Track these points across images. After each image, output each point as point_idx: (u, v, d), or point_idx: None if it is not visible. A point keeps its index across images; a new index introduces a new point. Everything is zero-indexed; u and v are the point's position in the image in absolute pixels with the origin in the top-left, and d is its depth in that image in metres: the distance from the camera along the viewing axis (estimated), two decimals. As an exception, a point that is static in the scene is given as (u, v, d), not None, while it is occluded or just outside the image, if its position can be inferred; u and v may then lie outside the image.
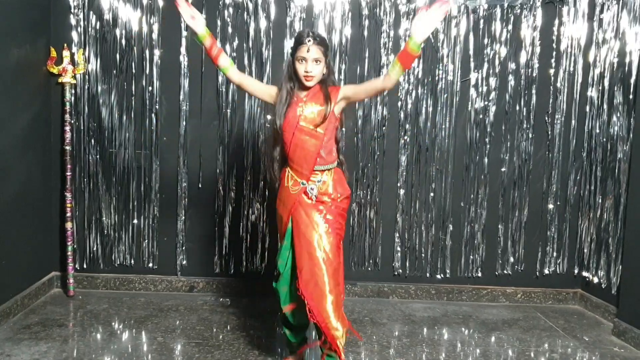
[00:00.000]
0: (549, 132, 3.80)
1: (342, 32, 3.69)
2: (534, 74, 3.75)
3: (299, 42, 2.49)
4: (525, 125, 3.79)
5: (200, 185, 3.78)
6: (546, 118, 3.79)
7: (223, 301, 3.70)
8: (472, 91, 3.76)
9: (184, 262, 3.84)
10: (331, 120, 2.52)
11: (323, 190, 2.53)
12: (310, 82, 2.50)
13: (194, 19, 2.63)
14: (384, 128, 3.76)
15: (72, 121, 3.66)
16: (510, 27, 3.72)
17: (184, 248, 3.82)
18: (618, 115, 3.50)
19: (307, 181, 2.53)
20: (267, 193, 3.77)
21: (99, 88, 3.69)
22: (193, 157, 3.76)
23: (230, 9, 3.67)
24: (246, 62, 3.69)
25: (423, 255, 3.87)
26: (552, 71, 3.76)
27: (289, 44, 3.67)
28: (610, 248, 3.55)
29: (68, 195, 3.65)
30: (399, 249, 3.86)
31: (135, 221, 3.79)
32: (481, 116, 3.78)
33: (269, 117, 3.70)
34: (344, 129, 2.79)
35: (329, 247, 2.49)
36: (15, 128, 3.29)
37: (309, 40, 2.46)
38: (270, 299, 3.69)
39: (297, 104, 2.53)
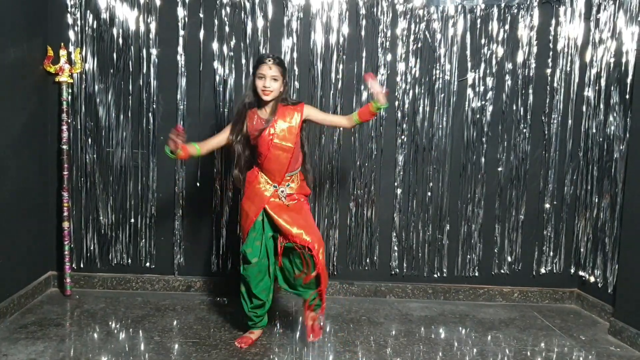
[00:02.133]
0: (546, 132, 3.81)
1: (340, 31, 3.70)
2: (531, 74, 3.76)
3: (260, 61, 2.83)
4: (522, 125, 3.80)
5: (197, 185, 3.78)
6: (543, 118, 3.80)
7: (219, 300, 3.70)
8: (469, 91, 3.77)
9: (181, 261, 3.83)
10: (297, 134, 2.92)
11: (290, 191, 2.95)
12: (268, 96, 2.83)
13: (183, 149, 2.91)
14: (381, 127, 3.77)
15: (69, 120, 3.65)
16: (507, 27, 3.73)
17: (181, 247, 3.82)
18: (614, 115, 3.50)
19: (278, 185, 2.93)
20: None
21: (96, 87, 3.68)
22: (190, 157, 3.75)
23: (228, 8, 3.67)
24: (243, 61, 3.69)
25: (420, 254, 3.88)
26: (549, 71, 3.77)
27: (286, 43, 3.68)
28: (606, 247, 3.56)
29: (65, 194, 3.64)
30: (396, 248, 3.86)
31: (132, 220, 3.79)
32: (478, 116, 3.79)
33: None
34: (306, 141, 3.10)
35: (303, 219, 2.91)
36: (12, 127, 3.29)
37: (269, 60, 2.81)
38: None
39: (267, 123, 2.87)
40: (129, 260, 3.81)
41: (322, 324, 3.01)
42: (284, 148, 2.89)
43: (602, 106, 3.62)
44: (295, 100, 3.03)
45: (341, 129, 3.68)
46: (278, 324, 3.33)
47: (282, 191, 2.93)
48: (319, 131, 3.74)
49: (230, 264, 3.83)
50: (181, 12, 3.66)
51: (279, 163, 2.90)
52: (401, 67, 3.74)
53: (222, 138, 2.99)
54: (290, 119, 2.90)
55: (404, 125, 3.78)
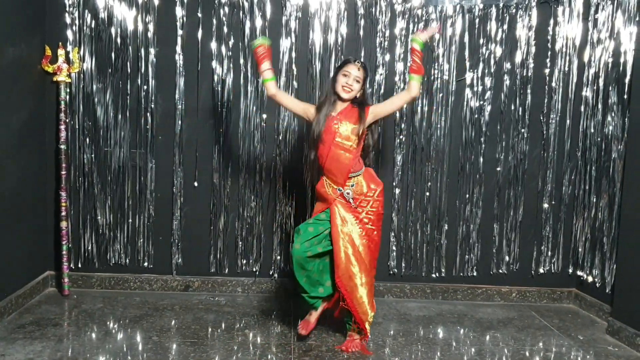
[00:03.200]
0: (544, 132, 3.81)
1: (338, 31, 3.69)
2: (529, 74, 3.76)
3: (348, 62, 2.95)
4: (520, 125, 3.80)
5: (195, 184, 3.77)
6: (541, 118, 3.80)
7: (217, 300, 3.70)
8: (468, 91, 3.77)
9: (179, 261, 3.83)
10: (362, 137, 2.94)
11: (358, 191, 2.94)
12: (347, 94, 2.91)
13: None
14: (379, 127, 3.75)
15: (67, 120, 3.64)
16: (505, 26, 3.73)
17: (179, 247, 3.81)
18: (613, 115, 3.51)
19: (342, 187, 2.93)
20: (262, 193, 3.78)
21: (94, 87, 3.68)
22: (189, 156, 3.75)
23: (226, 8, 3.66)
24: (242, 61, 3.69)
25: (418, 254, 3.88)
26: (547, 71, 3.77)
27: (285, 43, 3.68)
28: (604, 247, 3.56)
29: (63, 194, 3.63)
30: (394, 248, 3.86)
31: (130, 220, 3.78)
32: (476, 116, 3.79)
33: (264, 116, 3.71)
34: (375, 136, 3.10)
35: (362, 248, 2.94)
36: (10, 127, 3.28)
37: (357, 62, 2.93)
38: (267, 298, 3.71)
39: (332, 121, 2.91)
40: (127, 260, 3.81)
41: (360, 346, 3.01)
42: (345, 147, 2.90)
43: (600, 106, 3.62)
44: (365, 102, 3.00)
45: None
46: (277, 324, 3.32)
47: (348, 193, 2.93)
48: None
49: (227, 264, 3.83)
50: (179, 11, 3.65)
51: (340, 163, 2.90)
52: (400, 67, 3.73)
53: (305, 107, 3.03)
54: (355, 121, 2.91)
55: (402, 125, 3.78)
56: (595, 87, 3.67)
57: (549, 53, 3.75)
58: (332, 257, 2.96)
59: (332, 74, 2.99)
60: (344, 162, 2.90)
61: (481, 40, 3.74)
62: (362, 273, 2.93)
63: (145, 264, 3.82)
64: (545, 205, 3.86)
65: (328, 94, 2.97)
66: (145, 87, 3.69)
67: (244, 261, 3.84)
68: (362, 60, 2.98)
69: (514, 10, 3.71)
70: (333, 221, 2.93)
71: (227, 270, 3.84)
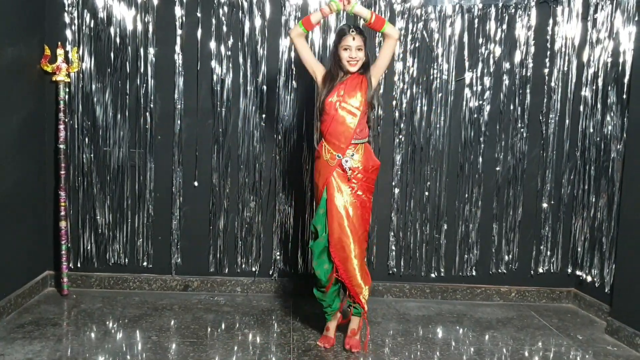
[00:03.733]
0: (543, 132, 3.81)
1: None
2: (528, 74, 3.76)
3: (342, 33, 2.90)
4: (519, 125, 3.80)
5: (196, 184, 3.77)
6: (540, 117, 3.80)
7: (217, 300, 3.70)
8: (467, 90, 3.77)
9: (179, 261, 3.83)
10: (366, 101, 2.91)
11: (356, 164, 2.92)
12: (355, 67, 2.89)
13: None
14: (378, 127, 3.76)
15: (66, 120, 3.64)
16: (504, 26, 3.73)
17: (178, 247, 3.81)
18: (612, 114, 3.51)
19: (342, 155, 2.89)
20: (261, 193, 3.78)
21: (93, 86, 3.67)
22: (188, 156, 3.75)
23: (225, 8, 3.66)
24: (241, 60, 3.69)
25: (418, 254, 3.88)
26: (546, 71, 3.77)
27: (284, 42, 3.68)
28: (603, 247, 3.56)
29: (62, 193, 3.63)
30: (393, 247, 3.86)
31: (129, 220, 3.78)
32: (476, 115, 3.79)
33: (263, 116, 3.71)
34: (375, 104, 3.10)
35: (356, 218, 2.92)
36: (9, 126, 3.28)
37: (352, 31, 2.88)
38: (266, 298, 3.71)
39: (338, 86, 2.90)
40: (126, 260, 3.81)
41: (364, 339, 3.02)
42: (351, 111, 2.88)
43: (599, 106, 3.63)
44: (368, 63, 2.98)
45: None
46: (277, 324, 3.32)
47: (347, 161, 2.88)
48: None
49: (227, 264, 3.83)
50: (179, 11, 3.65)
51: (345, 126, 2.87)
52: (399, 66, 3.74)
53: (316, 66, 3.02)
54: (361, 87, 2.91)
55: (402, 125, 3.78)
56: (594, 87, 3.67)
57: (548, 53, 3.75)
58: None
59: (331, 48, 2.99)
60: (349, 126, 2.88)
61: (480, 40, 3.74)
62: (355, 244, 2.92)
63: (145, 263, 3.82)
64: (545, 205, 3.86)
65: (332, 70, 2.94)
66: (144, 86, 3.69)
67: (244, 261, 3.84)
68: (355, 25, 2.95)
69: (513, 10, 3.72)
70: (329, 191, 2.91)
71: (226, 270, 3.84)
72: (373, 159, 3.03)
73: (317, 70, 3.00)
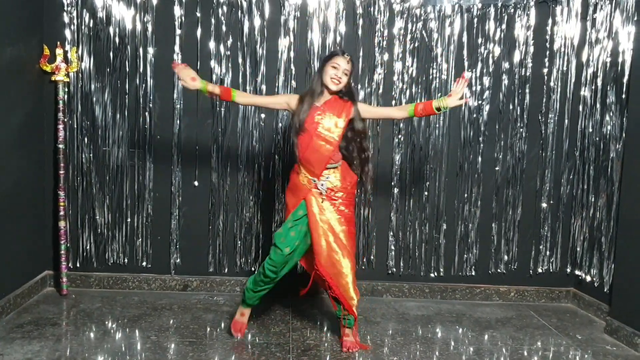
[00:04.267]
0: (543, 131, 3.82)
1: (337, 30, 3.69)
2: (528, 74, 3.76)
3: (335, 53, 2.95)
4: (518, 125, 3.80)
5: (196, 184, 3.77)
6: (539, 117, 3.81)
7: (216, 299, 3.70)
8: (466, 90, 3.77)
9: (178, 260, 3.83)
10: (343, 130, 2.93)
11: (333, 184, 2.93)
12: (335, 86, 2.89)
13: (194, 80, 2.94)
14: (378, 127, 3.77)
15: (66, 119, 3.64)
16: (504, 26, 3.73)
17: (177, 247, 3.81)
18: (611, 114, 3.51)
19: (317, 179, 2.91)
20: (260, 192, 3.78)
21: (93, 86, 3.67)
22: (187, 156, 3.75)
23: (225, 8, 3.66)
24: (240, 60, 3.69)
25: (417, 253, 3.88)
26: (545, 70, 3.77)
27: (283, 42, 3.68)
28: (602, 247, 3.56)
29: (61, 193, 3.63)
30: (392, 247, 3.86)
31: (128, 220, 3.78)
32: (475, 115, 3.79)
33: (262, 115, 3.71)
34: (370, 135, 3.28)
35: (343, 234, 2.95)
36: (8, 126, 3.28)
37: (347, 55, 2.92)
38: (265, 298, 3.70)
39: (315, 111, 2.90)
40: (126, 260, 3.81)
41: (357, 339, 3.07)
42: (327, 139, 2.89)
43: (598, 106, 3.63)
44: (351, 94, 3.00)
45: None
46: (276, 324, 3.32)
47: (322, 184, 2.91)
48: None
49: (226, 264, 3.83)
50: (178, 11, 3.65)
51: (320, 154, 2.89)
52: (398, 66, 3.74)
53: (287, 99, 3.01)
54: (339, 114, 2.92)
55: (401, 125, 3.78)
56: (593, 87, 3.67)
57: (548, 53, 3.75)
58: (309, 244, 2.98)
59: (318, 67, 3.00)
60: (324, 154, 2.89)
61: (480, 40, 3.74)
62: (345, 259, 2.95)
63: (144, 263, 3.82)
64: (544, 205, 3.86)
65: (314, 86, 2.94)
66: (143, 86, 3.69)
67: (243, 261, 3.84)
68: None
69: (512, 10, 3.72)
70: (310, 210, 2.92)
71: (226, 270, 3.84)
72: (350, 174, 3.01)
73: (291, 101, 2.98)
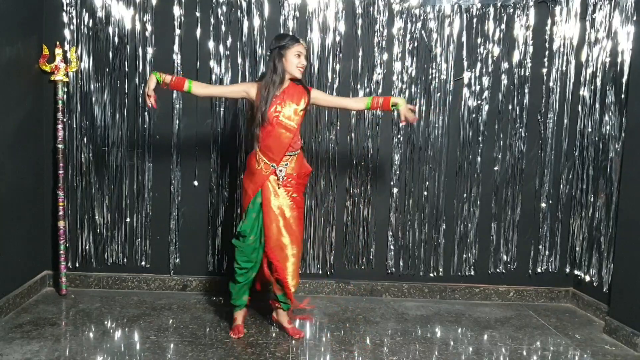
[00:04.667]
0: (542, 131, 3.82)
1: (336, 30, 3.70)
2: (527, 73, 3.77)
3: (296, 40, 2.97)
4: (518, 124, 3.80)
5: (196, 184, 3.77)
6: (539, 117, 3.81)
7: (215, 299, 3.70)
8: (465, 90, 3.78)
9: (177, 260, 3.83)
10: (302, 117, 3.02)
11: (289, 171, 3.00)
12: (301, 74, 2.98)
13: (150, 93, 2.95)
14: (377, 127, 3.77)
15: (65, 119, 3.64)
16: (503, 26, 3.73)
17: (177, 247, 3.81)
18: (610, 114, 3.51)
19: (277, 165, 2.98)
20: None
21: (92, 86, 3.67)
22: (186, 156, 3.75)
23: (224, 7, 3.66)
24: (239, 60, 3.69)
25: (416, 253, 3.88)
26: (544, 70, 3.77)
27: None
28: (602, 247, 3.56)
29: (60, 193, 3.63)
30: (392, 247, 3.87)
31: (128, 220, 3.78)
32: (474, 115, 3.79)
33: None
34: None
35: (292, 219, 3.03)
36: (7, 126, 3.28)
37: (303, 42, 2.99)
38: (263, 298, 3.70)
39: (276, 100, 2.94)
40: (125, 260, 3.81)
41: (296, 322, 3.20)
42: (288, 127, 2.95)
43: (597, 106, 3.63)
44: (303, 82, 3.06)
45: (353, 111, 3.71)
46: (275, 324, 3.32)
47: (281, 170, 2.97)
48: (316, 130, 3.74)
49: (225, 264, 3.83)
50: (177, 10, 3.65)
51: (280, 141, 2.95)
52: (397, 66, 3.74)
53: (245, 88, 3.04)
54: (298, 101, 2.98)
55: (400, 125, 3.78)
56: (592, 87, 3.67)
57: (547, 52, 3.76)
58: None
59: (273, 52, 2.94)
60: (284, 141, 2.95)
61: (479, 40, 3.74)
62: (292, 245, 3.02)
63: (143, 263, 3.82)
64: (543, 205, 3.86)
65: (275, 76, 2.93)
66: (142, 86, 3.68)
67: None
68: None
69: (511, 10, 3.72)
70: (265, 195, 2.98)
71: (224, 270, 3.84)
72: (305, 166, 3.13)
73: (248, 89, 3.01)
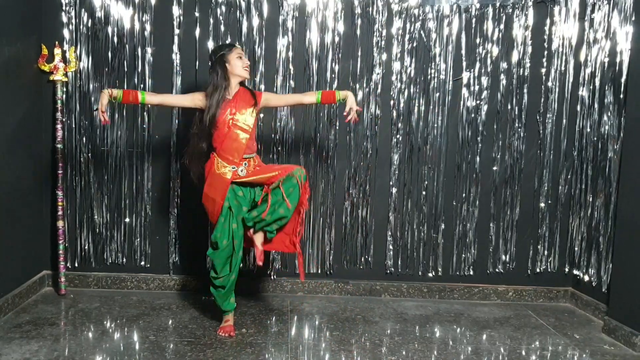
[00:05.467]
0: (541, 131, 3.82)
1: (335, 30, 3.70)
2: (526, 73, 3.77)
3: (232, 45, 3.13)
4: (516, 124, 3.81)
5: (194, 184, 3.76)
6: (537, 117, 3.81)
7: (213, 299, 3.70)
8: (464, 90, 3.78)
9: (176, 260, 3.83)
10: (256, 119, 3.12)
11: (251, 169, 3.09)
12: (248, 73, 3.11)
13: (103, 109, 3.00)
14: (376, 127, 3.77)
15: (64, 119, 3.64)
16: (502, 26, 3.73)
17: (176, 246, 3.81)
18: (609, 114, 3.52)
19: (237, 166, 3.06)
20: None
21: (91, 86, 3.67)
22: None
23: (223, 7, 3.66)
24: (239, 60, 3.69)
25: (415, 253, 3.89)
26: (543, 70, 3.78)
27: (282, 42, 3.68)
28: (600, 246, 3.57)
29: (59, 193, 3.63)
30: (391, 247, 3.87)
31: (127, 219, 3.78)
32: (473, 115, 3.79)
33: (261, 115, 3.71)
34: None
35: (274, 173, 3.09)
36: (6, 126, 3.27)
37: (239, 45, 3.19)
38: (264, 297, 3.71)
39: (229, 104, 3.04)
40: (124, 260, 3.81)
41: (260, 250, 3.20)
42: (243, 128, 3.05)
43: (596, 106, 3.63)
44: (250, 88, 3.23)
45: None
46: (274, 324, 3.33)
47: (242, 170, 3.06)
48: (315, 130, 3.74)
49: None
50: (176, 10, 3.65)
51: (238, 142, 3.04)
52: (396, 66, 3.74)
53: (192, 97, 3.09)
54: (249, 104, 3.09)
55: (399, 125, 3.78)
56: (591, 87, 3.68)
57: (546, 53, 3.76)
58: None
59: (215, 63, 3.05)
60: (241, 142, 3.04)
61: (478, 40, 3.74)
62: (283, 206, 3.06)
63: (142, 263, 3.82)
64: (542, 205, 3.86)
65: (218, 81, 3.02)
66: (142, 86, 3.68)
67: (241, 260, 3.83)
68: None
69: (510, 10, 3.72)
70: (234, 194, 3.08)
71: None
72: (270, 170, 3.18)
73: (195, 98, 3.08)
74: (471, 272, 3.90)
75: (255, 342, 3.05)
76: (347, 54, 3.72)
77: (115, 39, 3.65)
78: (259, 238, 3.14)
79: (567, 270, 3.90)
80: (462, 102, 3.78)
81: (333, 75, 3.71)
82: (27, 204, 3.54)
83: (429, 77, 3.76)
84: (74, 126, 3.69)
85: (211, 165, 3.09)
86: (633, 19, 3.32)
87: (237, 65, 3.05)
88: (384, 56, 3.73)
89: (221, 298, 3.14)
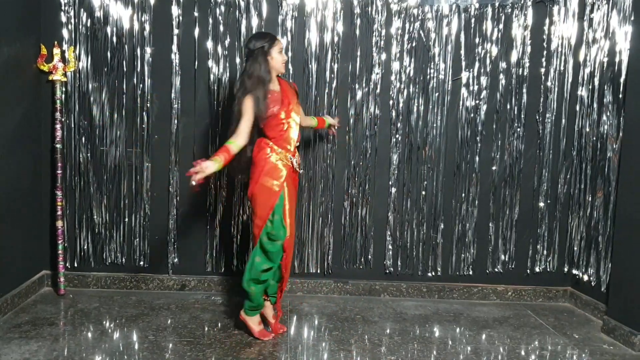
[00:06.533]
0: (540, 131, 3.82)
1: (334, 30, 3.70)
2: (525, 73, 3.77)
3: (275, 38, 3.01)
4: (516, 124, 3.81)
5: (193, 183, 3.75)
6: (537, 117, 3.81)
7: (214, 299, 3.70)
8: (463, 90, 3.78)
9: (176, 260, 3.83)
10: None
11: (297, 161, 3.10)
12: (284, 69, 3.10)
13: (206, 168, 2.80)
14: (375, 127, 3.77)
15: (63, 119, 3.64)
16: (501, 26, 3.74)
17: (175, 246, 3.81)
18: (608, 114, 3.52)
19: (293, 156, 3.05)
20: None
21: (90, 86, 3.67)
22: (185, 156, 3.74)
23: (222, 7, 3.66)
24: (238, 60, 3.69)
25: (414, 253, 3.89)
26: (542, 70, 3.78)
27: (281, 42, 3.67)
28: (600, 246, 3.57)
29: (59, 193, 3.63)
30: (390, 247, 3.87)
31: (126, 219, 3.78)
32: (472, 115, 3.80)
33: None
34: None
35: (292, 210, 3.09)
36: (5, 126, 3.27)
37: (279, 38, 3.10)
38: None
39: (281, 96, 3.01)
40: (123, 260, 3.80)
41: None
42: (296, 120, 3.07)
43: (595, 105, 3.64)
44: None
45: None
46: (274, 323, 3.32)
47: (295, 161, 3.06)
48: (314, 130, 3.74)
49: (224, 263, 3.83)
50: (175, 10, 3.65)
51: (295, 131, 3.06)
52: (396, 66, 3.74)
53: (250, 120, 2.93)
54: (296, 95, 3.14)
55: (399, 125, 3.78)
56: (590, 87, 3.68)
57: (545, 52, 3.76)
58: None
59: (255, 52, 2.92)
60: (297, 131, 3.08)
61: (477, 40, 3.75)
62: (292, 235, 3.11)
63: (142, 263, 3.81)
64: (541, 204, 3.87)
65: (263, 75, 2.92)
66: (141, 86, 3.68)
67: (241, 260, 3.83)
68: None
69: (509, 10, 3.72)
70: (290, 191, 3.04)
71: (223, 270, 3.84)
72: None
73: (249, 112, 2.92)
74: (470, 272, 3.90)
75: (255, 342, 3.05)
76: (347, 54, 3.72)
77: (115, 39, 3.65)
78: (269, 311, 3.18)
79: (566, 269, 3.90)
80: (461, 102, 3.79)
81: (332, 75, 3.71)
82: (27, 203, 3.54)
83: (428, 77, 3.76)
84: (73, 126, 3.69)
85: (263, 154, 2.99)
86: (632, 18, 3.33)
87: (278, 60, 2.98)
88: (383, 56, 3.73)
89: (261, 293, 3.03)
